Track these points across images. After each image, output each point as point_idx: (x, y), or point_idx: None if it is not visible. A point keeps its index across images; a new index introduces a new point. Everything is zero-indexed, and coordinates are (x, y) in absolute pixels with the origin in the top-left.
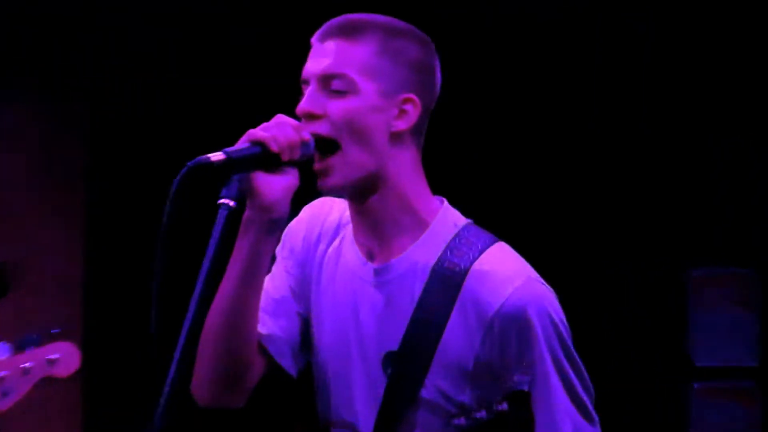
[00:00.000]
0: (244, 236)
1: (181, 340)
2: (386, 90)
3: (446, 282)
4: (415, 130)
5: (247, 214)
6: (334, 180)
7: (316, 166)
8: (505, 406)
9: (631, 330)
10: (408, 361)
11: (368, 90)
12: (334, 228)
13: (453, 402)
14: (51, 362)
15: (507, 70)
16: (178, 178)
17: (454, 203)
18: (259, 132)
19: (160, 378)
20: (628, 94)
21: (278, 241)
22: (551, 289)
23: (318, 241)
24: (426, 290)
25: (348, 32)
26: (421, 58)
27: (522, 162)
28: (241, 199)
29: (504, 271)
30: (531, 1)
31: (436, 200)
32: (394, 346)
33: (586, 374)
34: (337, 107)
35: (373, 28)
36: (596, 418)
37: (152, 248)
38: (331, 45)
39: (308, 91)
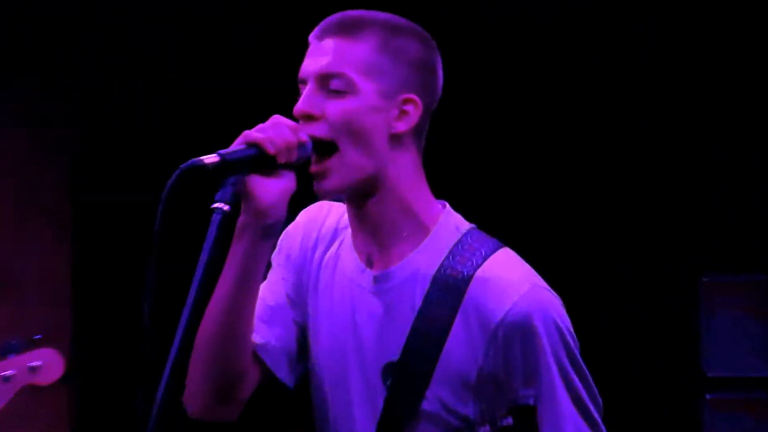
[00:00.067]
0: (238, 242)
1: (174, 349)
2: (386, 90)
3: (448, 289)
4: (415, 132)
5: (241, 218)
6: (331, 183)
7: (313, 168)
8: (510, 420)
9: (640, 339)
10: (409, 372)
11: (368, 90)
12: (331, 233)
13: (455, 414)
14: (33, 369)
15: (507, 71)
16: (170, 180)
17: (453, 205)
18: (254, 133)
19: (152, 388)
20: (629, 95)
21: (274, 246)
22: (558, 297)
23: (315, 246)
24: (427, 298)
25: (347, 30)
26: (423, 57)
27: (523, 163)
28: (236, 203)
29: (509, 278)
30: (531, 1)
31: (437, 204)
32: (395, 357)
33: (593, 385)
34: (335, 108)
35: (373, 25)
36: (605, 431)
37: (143, 253)
38: (329, 43)
39: (306, 91)
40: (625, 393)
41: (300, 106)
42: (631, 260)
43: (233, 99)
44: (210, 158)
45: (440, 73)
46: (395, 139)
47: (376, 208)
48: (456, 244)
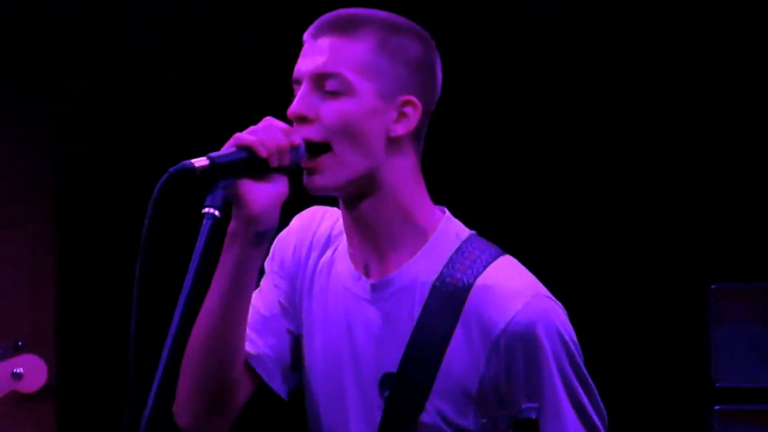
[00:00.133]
0: (229, 249)
1: (163, 359)
2: (384, 90)
3: (448, 298)
4: (414, 135)
5: (232, 224)
6: (323, 179)
7: (305, 164)
8: None
9: (647, 348)
10: (407, 384)
11: (365, 90)
12: (325, 239)
13: (455, 427)
14: (16, 376)
15: (507, 71)
16: (158, 184)
17: (450, 208)
18: (245, 136)
19: (141, 399)
20: (629, 94)
21: (266, 253)
22: (561, 306)
23: (308, 252)
24: (426, 307)
25: (343, 28)
26: (422, 57)
27: (523, 164)
28: (227, 208)
29: (510, 287)
30: (531, 1)
31: (437, 210)
32: (393, 368)
33: (598, 396)
34: (330, 110)
35: (371, 23)
36: None
37: (131, 260)
38: (324, 42)
39: (300, 91)
40: (631, 404)
41: (294, 108)
42: (637, 267)
43: (233, 99)
44: (199, 161)
45: (440, 73)
46: (393, 142)
47: (373, 212)
48: (456, 252)
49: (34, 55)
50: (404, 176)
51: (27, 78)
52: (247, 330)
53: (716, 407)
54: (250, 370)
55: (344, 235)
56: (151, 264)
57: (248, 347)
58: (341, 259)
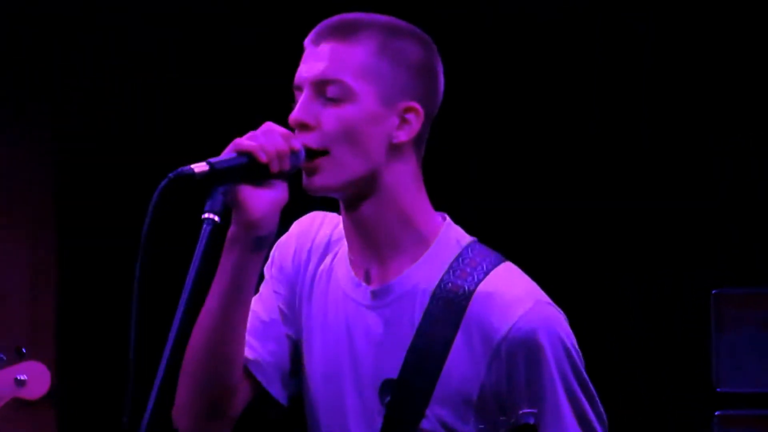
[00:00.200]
0: (228, 254)
1: (163, 364)
2: (385, 95)
3: (449, 305)
4: (416, 141)
5: (232, 230)
6: (322, 179)
7: (304, 164)
8: None
9: (648, 354)
10: (408, 390)
11: (365, 94)
12: (325, 244)
13: None
14: (20, 383)
15: (507, 71)
16: (158, 189)
17: (450, 213)
18: (245, 141)
19: (140, 404)
20: (629, 95)
21: (266, 259)
22: (562, 313)
23: (308, 258)
24: (427, 314)
25: (343, 33)
26: (424, 61)
27: (523, 166)
28: (227, 214)
29: (512, 294)
30: (531, 1)
31: (437, 216)
32: (393, 374)
33: (599, 402)
34: (331, 116)
35: (371, 27)
36: None
37: (131, 260)
38: (325, 48)
39: (301, 98)
40: (632, 409)
41: (295, 115)
42: (638, 272)
43: (233, 99)
44: (199, 166)
45: (441, 77)
46: (395, 148)
47: (373, 216)
48: (456, 258)
49: (34, 55)
50: (405, 181)
51: (27, 78)
52: (247, 335)
53: (717, 412)
54: (249, 375)
55: (344, 241)
56: (150, 267)
57: (247, 353)
58: (341, 265)
